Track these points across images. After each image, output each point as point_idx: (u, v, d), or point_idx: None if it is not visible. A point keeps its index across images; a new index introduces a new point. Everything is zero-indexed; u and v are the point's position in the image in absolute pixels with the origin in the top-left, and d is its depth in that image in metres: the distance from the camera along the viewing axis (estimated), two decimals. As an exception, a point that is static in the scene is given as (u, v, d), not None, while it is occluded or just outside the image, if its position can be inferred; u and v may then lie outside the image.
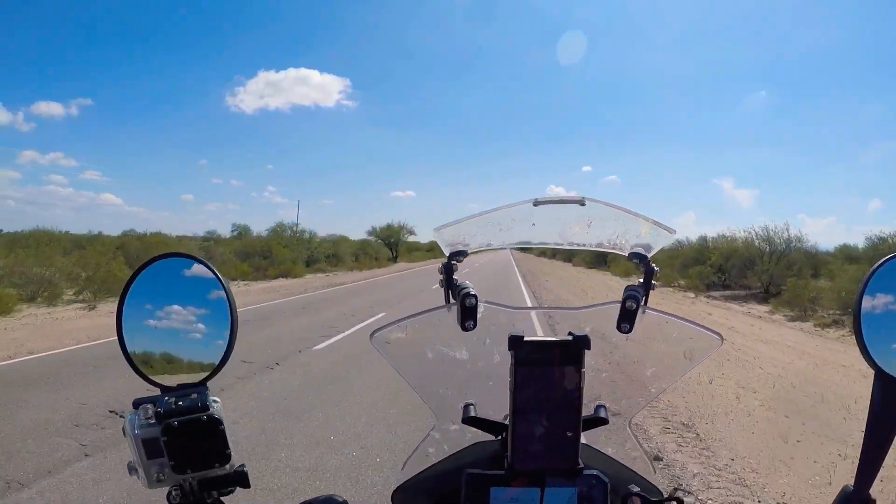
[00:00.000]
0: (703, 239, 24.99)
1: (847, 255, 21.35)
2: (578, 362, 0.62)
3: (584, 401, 0.64)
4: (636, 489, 0.66)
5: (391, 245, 56.84)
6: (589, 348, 0.62)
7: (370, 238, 55.71)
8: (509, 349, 0.62)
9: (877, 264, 0.61)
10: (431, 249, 63.36)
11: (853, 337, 0.62)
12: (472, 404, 0.72)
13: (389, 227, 58.00)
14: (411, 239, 63.92)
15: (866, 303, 0.61)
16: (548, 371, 0.62)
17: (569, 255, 63.59)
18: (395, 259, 47.42)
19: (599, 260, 43.63)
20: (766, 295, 17.64)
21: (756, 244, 19.62)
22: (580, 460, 0.64)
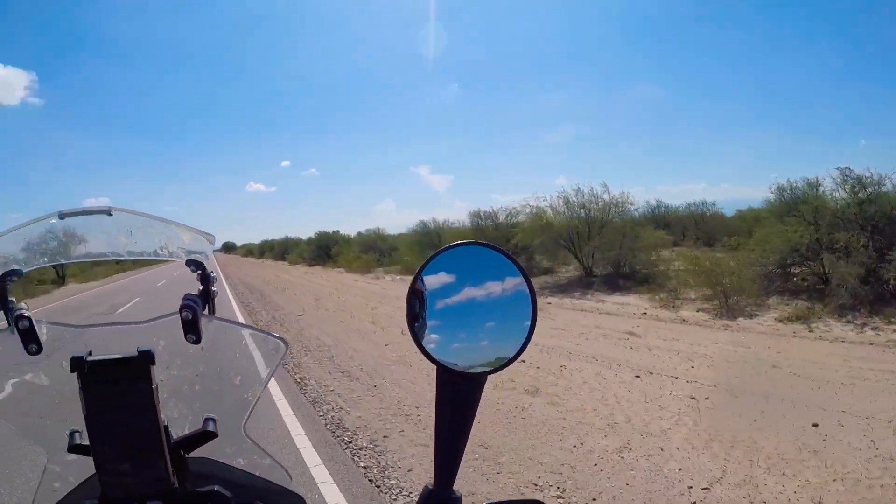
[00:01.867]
0: (476, 215, 18.85)
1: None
2: (147, 378, 0.60)
3: (191, 414, 0.69)
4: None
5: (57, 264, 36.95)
6: (154, 363, 0.60)
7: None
8: (71, 371, 0.59)
9: (425, 261, 0.60)
10: (119, 262, 45.87)
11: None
12: (77, 431, 0.66)
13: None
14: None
15: (414, 299, 0.61)
16: (117, 390, 0.60)
17: (280, 253, 55.69)
18: (62, 280, 29.19)
19: (320, 254, 37.82)
20: (593, 279, 12.81)
21: (566, 215, 14.28)
22: (171, 477, 0.62)
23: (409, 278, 0.61)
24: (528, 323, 0.58)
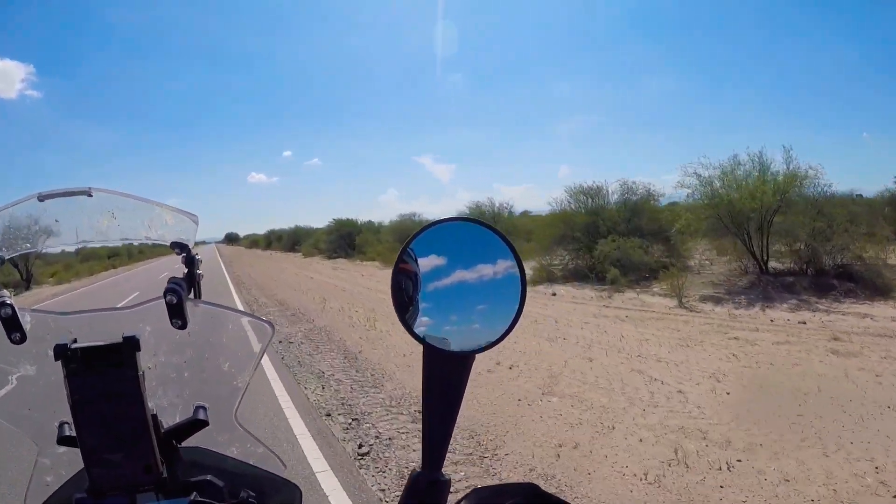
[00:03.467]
0: (581, 192, 14.42)
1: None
2: (133, 365, 0.59)
3: (181, 402, 0.67)
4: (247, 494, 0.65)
5: (18, 264, 31.97)
6: (139, 349, 0.59)
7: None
8: (56, 359, 0.58)
9: (408, 239, 0.59)
10: (112, 256, 42.97)
11: None
12: (66, 422, 0.63)
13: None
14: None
15: (400, 276, 0.61)
16: (102, 378, 0.58)
17: (290, 244, 51.52)
18: (27, 283, 24.27)
19: (342, 244, 33.62)
20: (787, 278, 8.93)
21: (737, 190, 10.27)
22: (160, 467, 0.61)
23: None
24: (517, 305, 0.58)
